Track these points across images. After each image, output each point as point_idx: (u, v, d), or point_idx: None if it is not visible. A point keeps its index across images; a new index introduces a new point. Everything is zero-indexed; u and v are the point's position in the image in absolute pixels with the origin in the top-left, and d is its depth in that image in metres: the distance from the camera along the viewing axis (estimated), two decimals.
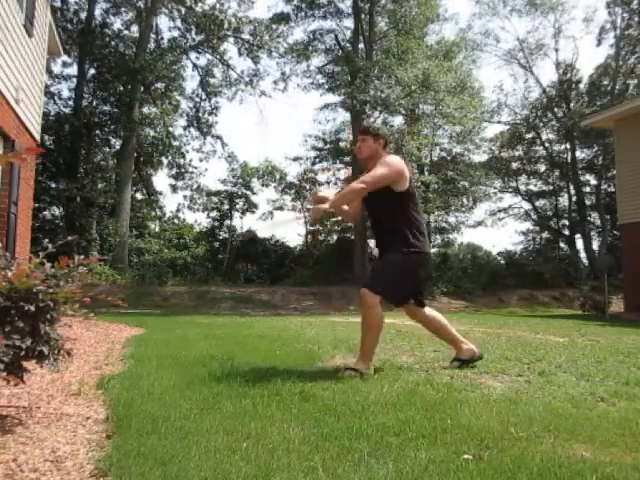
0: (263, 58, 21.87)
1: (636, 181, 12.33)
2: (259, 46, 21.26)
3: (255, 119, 51.18)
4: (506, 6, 27.10)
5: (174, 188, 23.12)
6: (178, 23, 21.15)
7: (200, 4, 20.58)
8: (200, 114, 22.47)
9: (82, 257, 2.29)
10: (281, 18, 21.04)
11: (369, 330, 3.32)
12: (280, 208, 24.26)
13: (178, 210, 24.57)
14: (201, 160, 23.13)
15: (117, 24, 20.94)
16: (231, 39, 21.58)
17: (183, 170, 22.80)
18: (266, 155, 32.08)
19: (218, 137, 22.87)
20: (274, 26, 21.05)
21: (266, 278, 20.99)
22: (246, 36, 21.29)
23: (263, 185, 23.83)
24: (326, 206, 3.34)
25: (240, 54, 21.67)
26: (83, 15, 19.87)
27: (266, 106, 53.25)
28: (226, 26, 20.51)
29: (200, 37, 20.94)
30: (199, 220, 26.34)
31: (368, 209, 3.60)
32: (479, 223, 27.15)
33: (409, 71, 18.35)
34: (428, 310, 3.61)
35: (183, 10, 20.62)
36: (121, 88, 20.01)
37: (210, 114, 22.67)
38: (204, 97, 22.54)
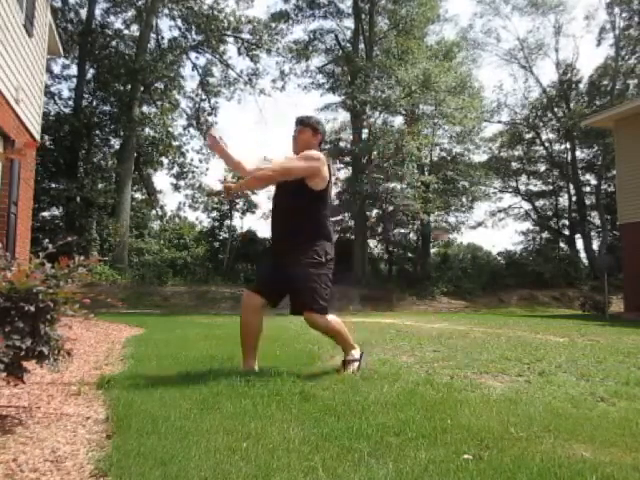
0: (262, 57, 21.98)
1: (636, 181, 12.33)
2: (258, 45, 21.30)
3: (255, 119, 51.24)
4: (508, 4, 27.11)
5: (176, 187, 23.16)
6: (178, 23, 21.19)
7: (199, 2, 20.60)
8: (200, 114, 22.51)
9: (82, 257, 2.29)
10: (280, 16, 21.07)
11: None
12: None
13: (179, 209, 24.61)
14: (201, 161, 23.10)
15: (117, 24, 20.95)
16: (230, 39, 21.66)
17: (184, 169, 22.83)
18: (265, 154, 32.18)
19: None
20: (273, 24, 21.08)
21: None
22: (245, 35, 21.36)
23: None
24: (231, 185, 3.30)
25: (240, 53, 21.74)
26: (83, 15, 19.88)
27: (266, 106, 53.40)
28: (225, 25, 20.54)
29: (200, 37, 20.97)
30: (200, 218, 26.35)
31: (274, 201, 3.37)
32: (479, 224, 27.15)
33: (409, 71, 18.36)
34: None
35: (183, 9, 20.64)
36: (121, 88, 20.01)
37: (210, 114, 22.72)
38: (204, 97, 22.59)
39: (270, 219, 3.39)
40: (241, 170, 3.48)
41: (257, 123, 47.07)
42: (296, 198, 3.16)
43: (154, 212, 24.41)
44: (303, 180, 3.14)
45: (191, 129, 22.61)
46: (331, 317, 3.19)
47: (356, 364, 3.23)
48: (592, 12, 28.00)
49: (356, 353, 3.29)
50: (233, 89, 22.40)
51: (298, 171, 3.14)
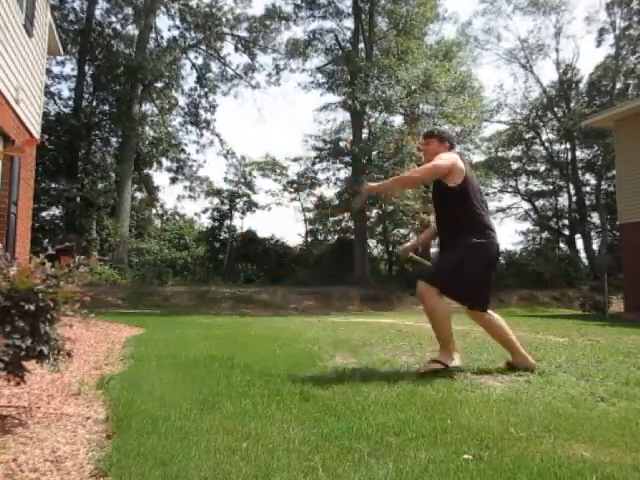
0: (259, 54, 22.13)
1: (636, 181, 12.33)
2: (255, 42, 21.40)
3: (254, 117, 51.24)
4: (510, 4, 27.10)
5: (174, 180, 23.26)
6: (177, 22, 21.26)
7: (197, 1, 20.69)
8: (198, 110, 22.62)
9: (82, 257, 2.29)
10: (280, 17, 21.11)
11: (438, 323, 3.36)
12: (279, 204, 24.22)
13: (178, 199, 24.67)
14: (198, 152, 23.26)
15: (117, 23, 20.94)
16: (228, 37, 21.74)
17: (182, 164, 22.93)
18: (266, 152, 32.06)
19: (216, 134, 23.00)
20: (268, 22, 21.16)
21: (266, 278, 20.99)
22: (243, 33, 21.46)
23: (264, 177, 23.80)
24: (374, 184, 3.47)
25: (237, 50, 21.85)
26: (83, 15, 19.88)
27: (265, 106, 53.41)
28: (224, 21, 20.62)
29: (198, 35, 21.03)
30: (199, 213, 26.47)
31: (433, 203, 3.67)
32: None
33: (409, 71, 18.35)
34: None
35: (181, 8, 20.67)
36: (121, 88, 20.02)
37: (208, 111, 22.81)
38: (202, 94, 22.66)
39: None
40: (399, 181, 3.70)
41: (256, 121, 47.11)
42: (443, 200, 3.44)
43: (154, 211, 24.43)
44: (443, 182, 3.35)
45: (189, 126, 22.74)
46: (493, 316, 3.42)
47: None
48: (592, 14, 28.06)
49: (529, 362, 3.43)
50: (230, 85, 22.59)
51: (439, 169, 3.31)
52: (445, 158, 3.36)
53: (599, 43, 26.72)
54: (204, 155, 23.09)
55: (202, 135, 22.74)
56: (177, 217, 24.76)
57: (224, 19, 20.66)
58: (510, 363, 3.47)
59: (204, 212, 23.90)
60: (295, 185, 23.26)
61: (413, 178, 3.57)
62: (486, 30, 27.90)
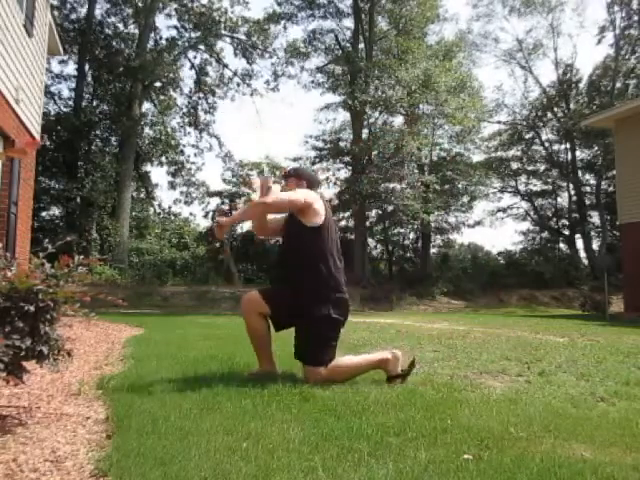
0: (257, 59, 22.17)
1: (636, 181, 12.33)
2: (254, 46, 21.41)
3: (253, 119, 51.26)
4: (505, 7, 27.11)
5: (172, 185, 23.27)
6: (174, 21, 21.36)
7: (196, 2, 20.70)
8: (197, 112, 22.64)
9: (82, 257, 2.29)
10: (279, 17, 21.12)
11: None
12: None
13: (175, 203, 24.69)
14: (196, 155, 23.27)
15: (116, 23, 20.96)
16: (227, 39, 21.77)
17: (180, 166, 22.95)
18: (266, 154, 32.07)
19: (215, 136, 23.02)
20: (266, 26, 21.18)
21: (266, 278, 20.96)
22: (242, 36, 21.48)
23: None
24: (224, 219, 3.17)
25: (235, 55, 21.92)
26: (83, 14, 19.91)
27: (265, 107, 53.46)
28: (223, 20, 20.64)
29: (197, 34, 21.05)
30: (194, 213, 26.57)
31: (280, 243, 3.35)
32: (477, 223, 27.11)
33: (409, 71, 18.36)
34: None
35: (180, 8, 20.69)
36: (121, 88, 20.03)
37: (207, 113, 22.82)
38: (201, 96, 22.67)
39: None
40: (247, 212, 3.44)
41: (255, 125, 47.26)
42: (295, 237, 3.12)
43: (152, 210, 24.44)
44: (297, 217, 3.07)
45: (188, 128, 22.76)
46: (337, 361, 2.96)
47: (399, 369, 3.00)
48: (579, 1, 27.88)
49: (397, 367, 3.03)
50: (226, 89, 22.63)
51: (291, 202, 3.05)
52: (300, 192, 3.11)
53: (599, 42, 26.75)
54: (202, 158, 23.21)
55: (201, 137, 22.79)
56: (173, 217, 24.77)
57: (222, 19, 20.67)
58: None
59: (205, 216, 23.98)
60: None
61: (259, 204, 3.13)
62: (483, 34, 27.94)
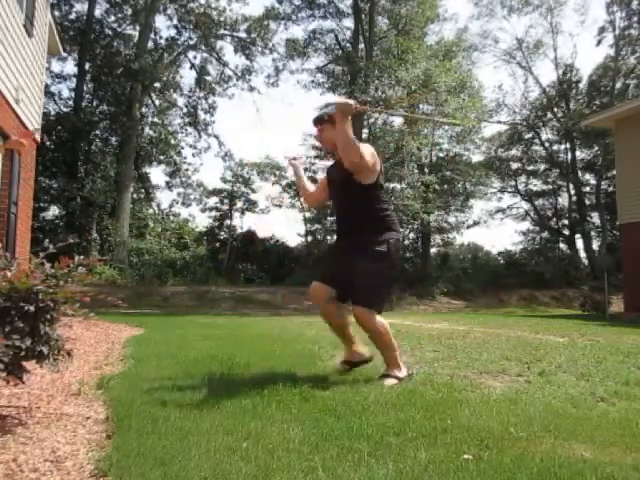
0: (257, 55, 22.27)
1: (636, 181, 12.32)
2: (254, 43, 21.45)
3: (253, 118, 51.24)
4: (504, 7, 27.09)
5: (169, 186, 23.30)
6: (175, 21, 21.31)
7: (196, 1, 20.73)
8: (197, 112, 22.68)
9: (82, 257, 2.29)
10: (279, 17, 21.16)
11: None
12: (279, 205, 24.21)
13: (172, 206, 24.75)
14: (194, 155, 23.36)
15: (117, 24, 20.95)
16: (227, 38, 21.81)
17: (178, 167, 22.98)
18: (266, 153, 32.01)
19: (215, 136, 23.04)
20: (266, 22, 21.22)
21: (266, 278, 20.97)
22: (242, 34, 21.52)
23: (262, 180, 23.83)
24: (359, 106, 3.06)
25: (236, 52, 21.93)
26: (83, 14, 19.90)
27: (265, 106, 53.41)
28: (222, 20, 20.68)
29: (197, 34, 21.07)
30: (193, 214, 26.59)
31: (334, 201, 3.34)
32: (476, 223, 27.11)
33: (409, 71, 18.36)
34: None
35: (180, 8, 20.71)
36: (121, 88, 20.03)
37: (207, 113, 22.84)
38: (201, 96, 22.71)
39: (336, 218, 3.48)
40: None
41: (255, 124, 47.28)
42: (352, 195, 3.13)
43: (151, 210, 24.46)
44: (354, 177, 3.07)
45: (188, 128, 22.78)
46: (381, 321, 3.09)
47: (393, 381, 2.97)
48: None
49: (400, 373, 3.07)
50: (226, 86, 22.66)
51: (364, 163, 3.01)
52: (367, 152, 3.03)
53: (599, 42, 26.72)
54: (200, 159, 23.31)
55: (200, 137, 22.84)
56: (172, 217, 24.81)
57: (221, 18, 20.70)
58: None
59: (203, 212, 23.95)
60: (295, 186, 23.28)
61: (356, 149, 2.97)
62: (482, 33, 27.92)
